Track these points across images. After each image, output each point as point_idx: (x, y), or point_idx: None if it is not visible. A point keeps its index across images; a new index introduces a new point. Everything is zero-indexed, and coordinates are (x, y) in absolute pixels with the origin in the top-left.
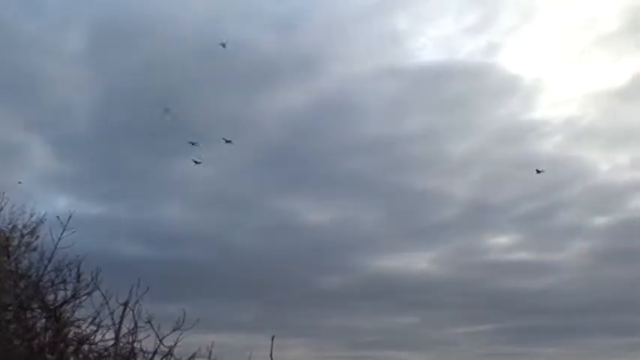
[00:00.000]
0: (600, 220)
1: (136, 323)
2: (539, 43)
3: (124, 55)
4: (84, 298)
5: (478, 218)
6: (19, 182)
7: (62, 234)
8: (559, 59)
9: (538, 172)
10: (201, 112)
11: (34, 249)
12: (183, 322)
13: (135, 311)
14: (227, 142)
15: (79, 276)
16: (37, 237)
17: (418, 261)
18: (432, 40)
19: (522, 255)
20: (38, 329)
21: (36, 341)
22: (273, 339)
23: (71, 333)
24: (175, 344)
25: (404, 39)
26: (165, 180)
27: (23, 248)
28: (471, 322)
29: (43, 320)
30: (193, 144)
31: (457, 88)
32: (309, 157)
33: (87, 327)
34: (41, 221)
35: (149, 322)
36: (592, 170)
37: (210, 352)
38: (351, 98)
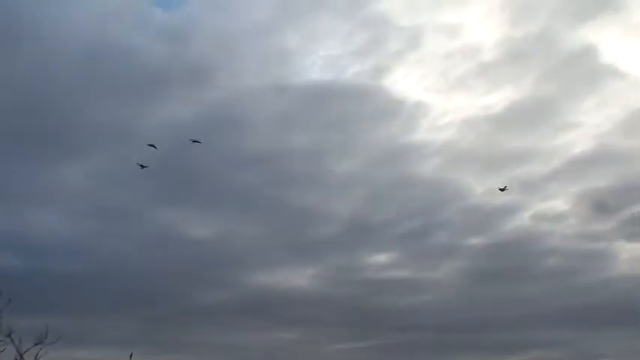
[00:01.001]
0: (474, 241)
1: None
2: (423, 69)
3: (3, 58)
4: None
5: (358, 236)
6: None
7: None
8: (441, 85)
9: (501, 190)
10: (84, 120)
11: None
12: (46, 336)
13: None
14: (151, 146)
15: None
16: None
17: (299, 277)
18: (321, 60)
19: (400, 273)
20: None
21: None
22: (131, 356)
23: None
24: (36, 359)
25: (293, 57)
26: (40, 188)
27: None
28: (349, 338)
29: None
30: (152, 146)
31: (343, 107)
32: (194, 169)
33: None
34: None
35: (9, 335)
36: (467, 192)
37: None
38: (238, 112)
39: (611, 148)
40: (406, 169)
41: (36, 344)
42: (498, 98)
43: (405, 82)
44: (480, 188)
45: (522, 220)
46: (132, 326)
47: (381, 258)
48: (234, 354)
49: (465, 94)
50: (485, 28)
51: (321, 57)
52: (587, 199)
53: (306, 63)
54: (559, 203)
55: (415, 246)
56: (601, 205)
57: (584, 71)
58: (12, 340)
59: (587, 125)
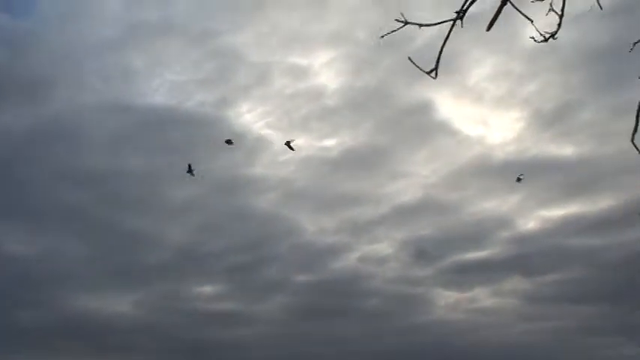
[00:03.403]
0: (301, 278)
1: None
2: (268, 106)
3: None
4: None
5: (188, 265)
6: None
7: None
8: (283, 124)
9: (519, 179)
10: None
11: None
12: None
13: None
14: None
15: None
16: None
17: (122, 303)
18: (167, 84)
19: (227, 305)
20: None
21: None
22: None
23: None
24: None
25: (137, 78)
26: None
27: None
28: None
29: None
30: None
31: (184, 134)
32: (20, 183)
33: None
34: None
35: None
36: (299, 230)
37: None
38: (75, 128)
39: (435, 200)
40: (242, 202)
41: None
42: (336, 142)
43: (249, 116)
44: (312, 227)
45: (349, 260)
46: None
47: (209, 289)
48: None
49: (305, 135)
50: (329, 74)
51: (167, 81)
52: (410, 246)
53: (152, 85)
54: (384, 247)
55: (244, 279)
56: (422, 253)
57: (418, 125)
58: None
59: (416, 176)
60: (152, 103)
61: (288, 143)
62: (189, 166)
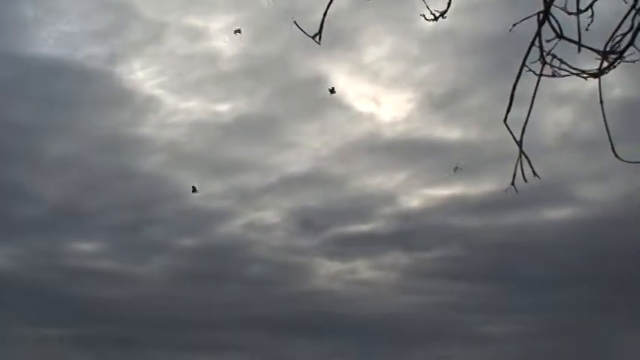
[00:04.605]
0: (186, 241)
1: None
2: (161, 65)
3: None
4: None
5: (66, 221)
6: None
7: None
8: (176, 85)
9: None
10: None
11: None
12: None
13: None
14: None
15: None
16: None
17: None
18: (56, 34)
19: (106, 264)
20: None
21: None
22: None
23: None
24: None
25: (26, 27)
26: None
27: None
28: (38, 324)
29: None
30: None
31: (70, 87)
32: None
33: None
34: None
35: None
36: (185, 193)
37: None
38: None
39: (324, 172)
40: (127, 161)
41: None
42: (229, 108)
43: (140, 74)
44: (200, 191)
45: (234, 227)
46: None
47: (88, 246)
48: None
49: (198, 98)
50: (227, 39)
51: (57, 31)
52: (296, 216)
53: (41, 35)
54: (270, 215)
55: (125, 239)
56: (307, 223)
57: (311, 98)
58: None
59: (306, 148)
60: (40, 53)
61: (332, 90)
62: (194, 187)
